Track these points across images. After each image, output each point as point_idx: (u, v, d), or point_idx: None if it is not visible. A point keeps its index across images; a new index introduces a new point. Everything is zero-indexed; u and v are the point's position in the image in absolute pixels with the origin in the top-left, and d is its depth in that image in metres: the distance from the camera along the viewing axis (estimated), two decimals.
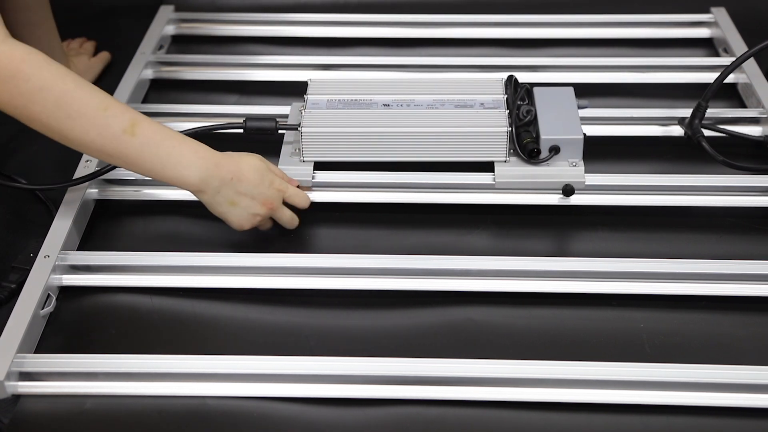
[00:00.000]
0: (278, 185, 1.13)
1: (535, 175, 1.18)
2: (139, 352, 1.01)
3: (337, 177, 1.20)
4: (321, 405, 0.98)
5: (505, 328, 1.06)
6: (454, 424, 0.96)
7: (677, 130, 1.30)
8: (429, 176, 1.20)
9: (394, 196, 1.20)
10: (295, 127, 1.21)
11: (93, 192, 1.21)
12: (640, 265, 1.09)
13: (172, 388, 0.99)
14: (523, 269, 1.09)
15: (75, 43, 1.54)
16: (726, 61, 1.40)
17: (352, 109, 1.23)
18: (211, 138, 1.16)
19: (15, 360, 0.98)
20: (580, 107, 1.23)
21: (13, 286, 1.09)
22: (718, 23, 1.53)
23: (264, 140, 1.22)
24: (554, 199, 1.19)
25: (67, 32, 1.50)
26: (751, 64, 1.40)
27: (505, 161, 1.19)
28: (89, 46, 1.54)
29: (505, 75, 1.27)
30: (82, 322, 1.08)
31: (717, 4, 1.57)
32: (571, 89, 1.26)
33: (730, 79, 1.32)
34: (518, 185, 1.19)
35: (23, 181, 1.24)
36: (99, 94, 1.06)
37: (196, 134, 1.15)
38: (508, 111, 1.21)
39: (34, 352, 1.02)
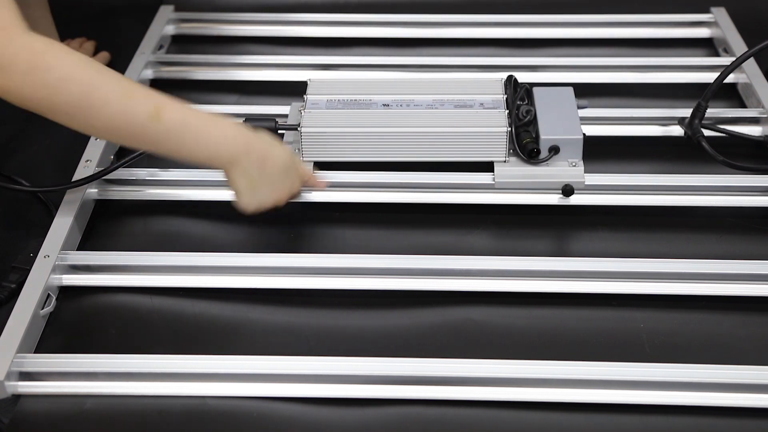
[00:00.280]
0: (297, 187, 1.14)
1: (535, 175, 1.18)
2: (139, 352, 1.01)
3: (337, 177, 1.20)
4: (321, 405, 0.98)
5: (506, 328, 1.06)
6: (454, 424, 0.96)
7: (677, 130, 1.30)
8: (429, 176, 1.20)
9: (394, 196, 1.20)
10: (294, 127, 1.20)
11: (93, 192, 1.21)
12: (640, 265, 1.09)
13: (172, 388, 0.98)
14: (523, 269, 1.09)
15: (75, 43, 1.53)
16: (726, 61, 1.40)
17: (351, 109, 1.23)
18: None
19: (15, 360, 0.98)
20: (579, 107, 1.23)
21: (13, 286, 1.09)
22: (718, 23, 1.53)
23: None
24: (554, 199, 1.19)
25: (66, 32, 1.50)
26: (751, 64, 1.40)
27: (505, 161, 1.19)
28: (89, 46, 1.53)
29: (504, 75, 1.27)
30: (82, 322, 1.08)
31: (717, 4, 1.56)
32: (570, 89, 1.26)
33: (730, 79, 1.32)
34: (518, 185, 1.19)
35: (25, 183, 1.24)
36: (122, 81, 1.04)
37: None
38: (507, 111, 1.21)
39: (34, 352, 1.02)
